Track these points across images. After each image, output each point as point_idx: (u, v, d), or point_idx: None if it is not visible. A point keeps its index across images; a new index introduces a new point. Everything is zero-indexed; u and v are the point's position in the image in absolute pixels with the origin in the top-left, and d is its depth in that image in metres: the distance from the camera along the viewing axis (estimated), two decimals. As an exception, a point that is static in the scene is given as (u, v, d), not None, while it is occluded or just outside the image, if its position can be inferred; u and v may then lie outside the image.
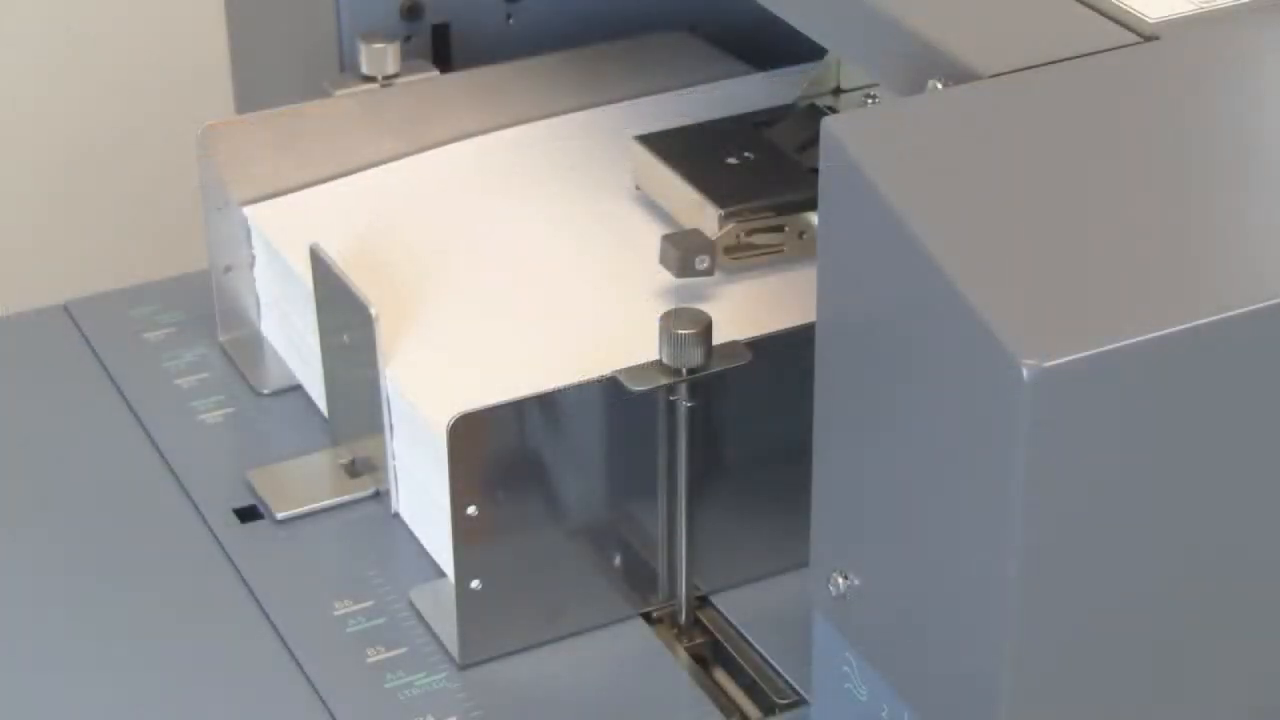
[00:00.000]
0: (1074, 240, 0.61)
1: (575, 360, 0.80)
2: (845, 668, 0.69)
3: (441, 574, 0.83)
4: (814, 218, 0.81)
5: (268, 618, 0.81)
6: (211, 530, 0.85)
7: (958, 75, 0.67)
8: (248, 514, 0.86)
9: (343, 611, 0.81)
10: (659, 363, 0.77)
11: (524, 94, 1.00)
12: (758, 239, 0.87)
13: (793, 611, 0.77)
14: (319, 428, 0.91)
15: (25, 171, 1.35)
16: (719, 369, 0.77)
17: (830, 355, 0.66)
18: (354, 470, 0.88)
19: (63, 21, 1.32)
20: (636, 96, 1.01)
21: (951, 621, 0.62)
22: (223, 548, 0.84)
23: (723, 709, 0.77)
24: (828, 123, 0.64)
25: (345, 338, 0.85)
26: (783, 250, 0.87)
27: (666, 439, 0.79)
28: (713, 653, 0.81)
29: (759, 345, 0.78)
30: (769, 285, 0.87)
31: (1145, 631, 0.62)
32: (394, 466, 0.85)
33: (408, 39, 1.01)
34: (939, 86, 0.67)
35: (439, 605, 0.81)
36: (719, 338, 0.78)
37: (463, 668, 0.79)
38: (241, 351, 0.95)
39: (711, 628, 0.81)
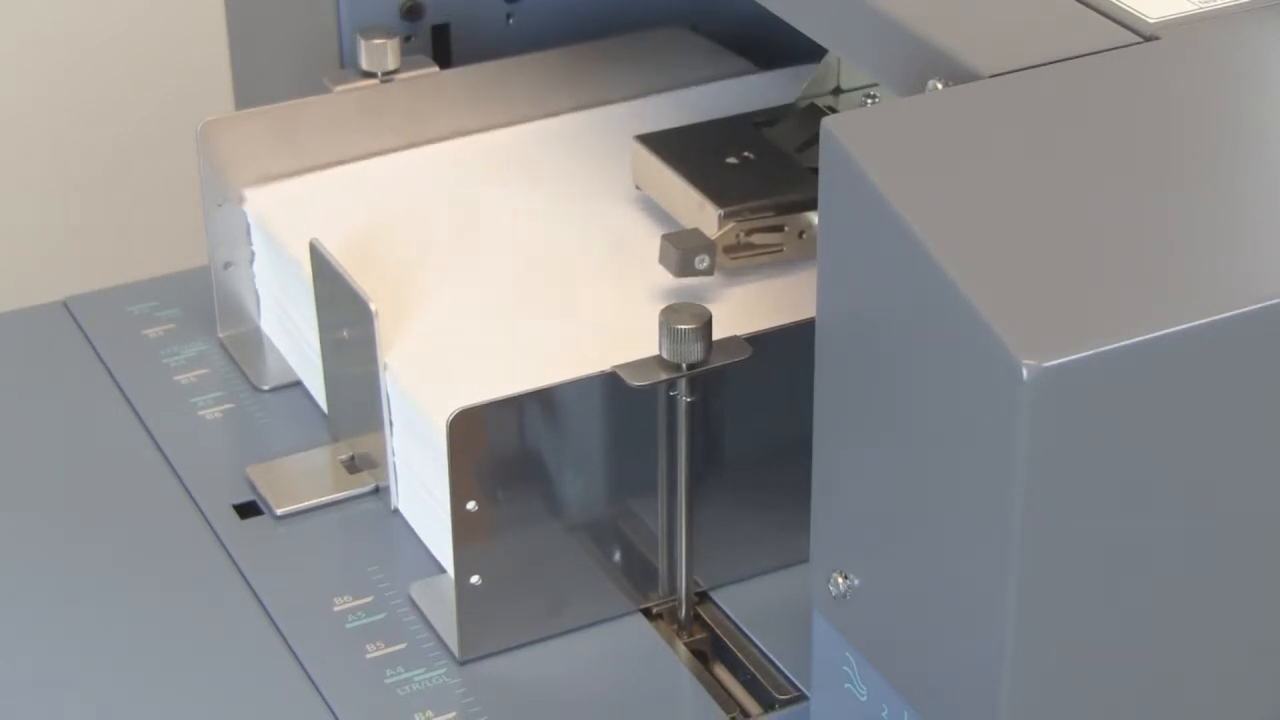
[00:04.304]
0: (1074, 240, 0.61)
1: (575, 356, 0.81)
2: (845, 667, 0.69)
3: (441, 569, 0.83)
4: (814, 218, 0.82)
5: (267, 614, 0.81)
6: (211, 526, 0.85)
7: (958, 75, 0.68)
8: (247, 510, 0.86)
9: (342, 607, 0.81)
10: (659, 358, 0.77)
11: (524, 90, 1.00)
12: (757, 239, 0.87)
13: (793, 607, 0.77)
14: (318, 424, 0.91)
15: (25, 169, 1.35)
16: (719, 364, 0.78)
17: (830, 355, 0.66)
18: (353, 466, 0.88)
19: (62, 19, 1.32)
20: (637, 93, 1.01)
21: (952, 621, 0.62)
22: (222, 544, 0.85)
23: (723, 705, 0.78)
24: (828, 123, 0.64)
25: (345, 334, 0.86)
26: (782, 250, 0.87)
27: (666, 434, 0.79)
28: (713, 648, 0.81)
29: (759, 341, 0.79)
30: (769, 285, 0.87)
31: (1145, 631, 0.63)
32: (393, 462, 0.85)
33: (407, 39, 1.01)
34: (939, 86, 0.68)
35: (439, 601, 0.81)
36: (718, 338, 0.78)
37: (462, 663, 0.79)
38: (241, 348, 0.95)
39: (711, 623, 0.81)
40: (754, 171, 0.90)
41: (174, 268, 1.01)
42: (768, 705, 0.78)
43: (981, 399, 0.59)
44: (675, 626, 0.81)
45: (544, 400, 0.78)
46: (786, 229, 0.87)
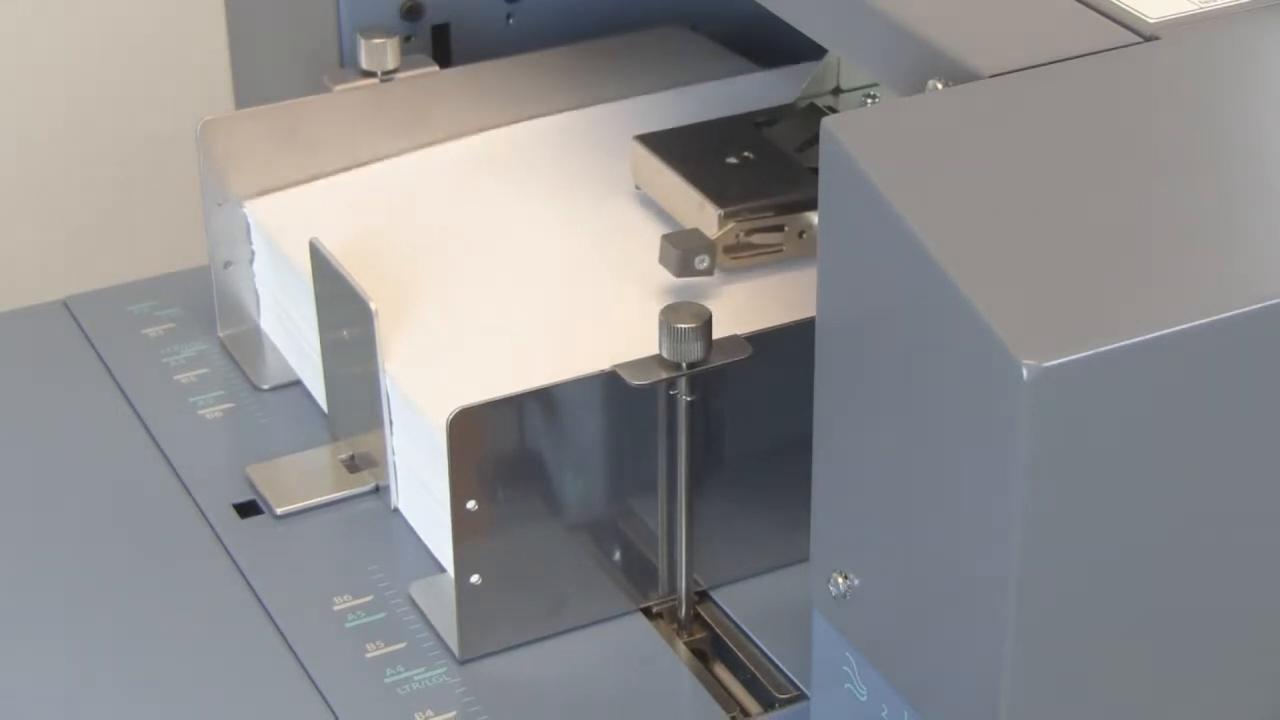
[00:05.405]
0: (1074, 240, 0.61)
1: (575, 356, 0.81)
2: (845, 667, 0.69)
3: (441, 569, 0.83)
4: (814, 217, 0.81)
5: (267, 613, 0.81)
6: (211, 526, 0.85)
7: (958, 75, 0.68)
8: (247, 509, 0.86)
9: (342, 606, 0.81)
10: (659, 357, 0.77)
11: (524, 89, 1.00)
12: (757, 239, 0.87)
13: (793, 607, 0.77)
14: (318, 423, 0.91)
15: (25, 168, 1.35)
16: (719, 363, 0.78)
17: (830, 355, 0.66)
18: (353, 465, 0.88)
19: (62, 19, 1.32)
20: (637, 92, 1.01)
21: (951, 621, 0.62)
22: (222, 543, 0.85)
23: (723, 704, 0.78)
24: (828, 123, 0.64)
25: (345, 333, 0.86)
26: (782, 250, 0.88)
27: (666, 434, 0.79)
28: (713, 648, 0.81)
29: (759, 340, 0.79)
30: (769, 285, 0.87)
31: (1145, 630, 0.63)
32: (393, 462, 0.85)
33: (407, 39, 1.01)
34: (939, 86, 0.68)
35: (438, 600, 0.81)
36: (718, 337, 0.78)
37: (462, 662, 0.79)
38: (241, 347, 0.95)
39: (711, 622, 0.81)
40: (754, 171, 0.90)
41: (174, 268, 1.01)
42: (768, 705, 0.78)
43: (981, 399, 0.59)
44: (675, 626, 0.81)
45: (544, 400, 0.78)
46: (786, 229, 0.87)
